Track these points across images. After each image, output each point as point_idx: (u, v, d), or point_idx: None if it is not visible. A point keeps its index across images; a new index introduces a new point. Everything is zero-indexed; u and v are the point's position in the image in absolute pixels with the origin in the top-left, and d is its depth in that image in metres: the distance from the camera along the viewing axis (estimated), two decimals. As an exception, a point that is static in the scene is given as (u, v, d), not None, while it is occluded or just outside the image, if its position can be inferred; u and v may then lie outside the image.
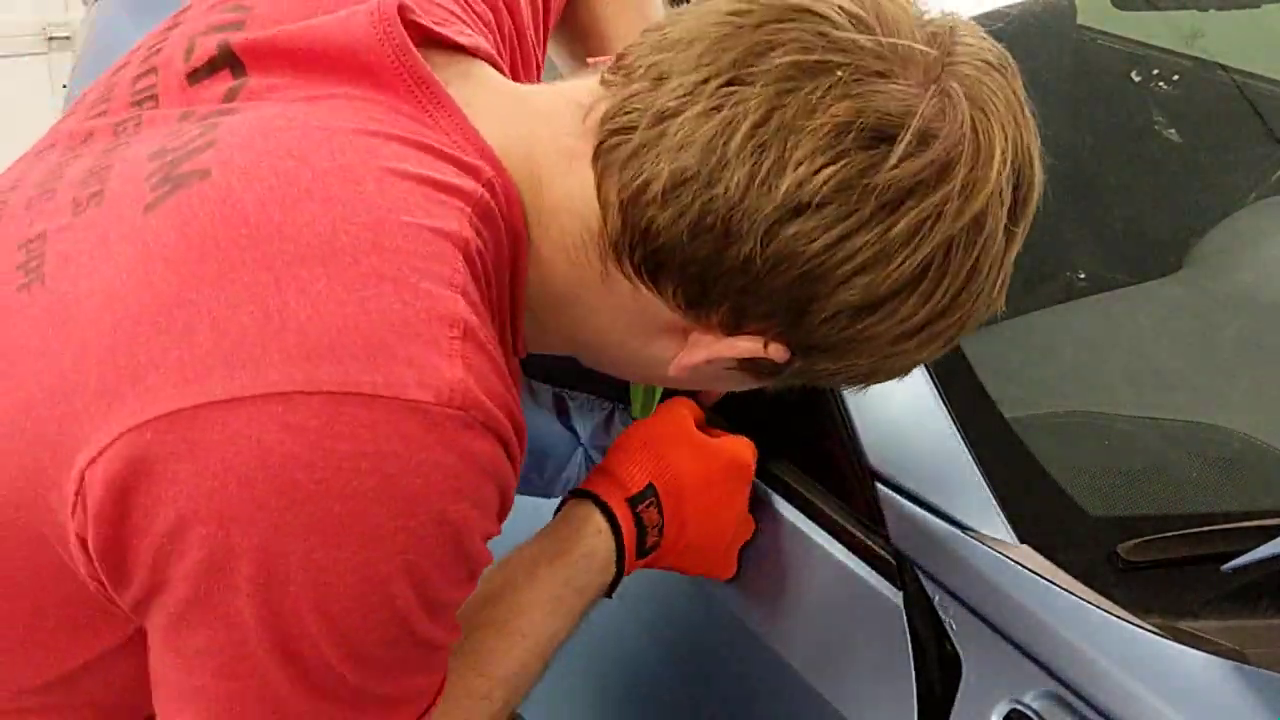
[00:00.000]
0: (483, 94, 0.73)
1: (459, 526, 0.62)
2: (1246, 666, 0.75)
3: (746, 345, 0.69)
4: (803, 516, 0.98)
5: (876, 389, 0.93)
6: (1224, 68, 1.61)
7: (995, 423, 0.93)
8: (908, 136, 0.63)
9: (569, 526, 0.88)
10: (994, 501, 0.86)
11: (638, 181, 0.66)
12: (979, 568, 0.83)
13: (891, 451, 0.91)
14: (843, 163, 0.63)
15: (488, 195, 0.67)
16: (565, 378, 1.02)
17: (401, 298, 0.60)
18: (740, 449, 0.93)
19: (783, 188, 0.63)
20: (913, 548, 0.88)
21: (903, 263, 0.64)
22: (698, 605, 1.03)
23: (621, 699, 1.16)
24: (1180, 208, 1.40)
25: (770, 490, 1.01)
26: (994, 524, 0.85)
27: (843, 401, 0.94)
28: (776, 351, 0.69)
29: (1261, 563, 0.77)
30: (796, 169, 0.62)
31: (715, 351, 0.70)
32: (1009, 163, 0.66)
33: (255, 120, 0.67)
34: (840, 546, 0.94)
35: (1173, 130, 1.60)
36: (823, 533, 0.96)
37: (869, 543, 0.92)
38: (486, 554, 0.67)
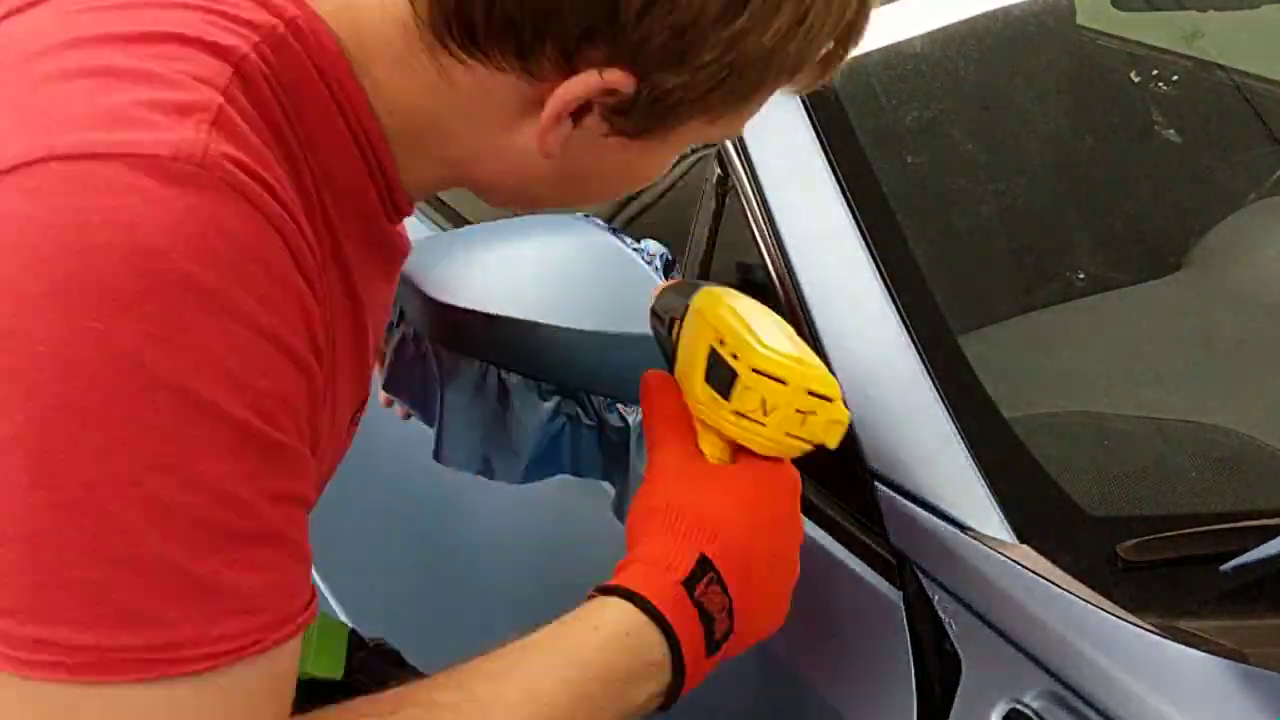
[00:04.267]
0: None
1: (210, 296, 0.56)
2: (1246, 666, 0.75)
3: (584, 80, 0.66)
4: (802, 516, 0.98)
5: (875, 391, 0.93)
6: (1223, 68, 1.61)
7: (995, 423, 0.93)
8: None
9: (592, 651, 0.68)
10: (994, 501, 0.86)
11: None
12: (979, 568, 0.83)
13: (891, 451, 0.91)
14: None
15: (283, 28, 0.65)
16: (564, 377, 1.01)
17: (154, 85, 0.59)
18: (770, 461, 0.78)
19: None
20: (912, 548, 0.88)
21: None
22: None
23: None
24: (1180, 208, 1.40)
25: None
26: (994, 524, 0.85)
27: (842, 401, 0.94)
28: (616, 78, 0.66)
29: (1261, 563, 0.77)
30: None
31: (560, 101, 0.67)
32: None
33: None
34: (840, 546, 0.94)
35: (1172, 130, 1.60)
36: (822, 533, 0.96)
37: (869, 543, 0.92)
38: (269, 354, 0.58)
